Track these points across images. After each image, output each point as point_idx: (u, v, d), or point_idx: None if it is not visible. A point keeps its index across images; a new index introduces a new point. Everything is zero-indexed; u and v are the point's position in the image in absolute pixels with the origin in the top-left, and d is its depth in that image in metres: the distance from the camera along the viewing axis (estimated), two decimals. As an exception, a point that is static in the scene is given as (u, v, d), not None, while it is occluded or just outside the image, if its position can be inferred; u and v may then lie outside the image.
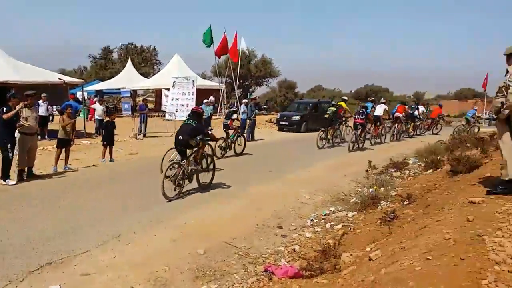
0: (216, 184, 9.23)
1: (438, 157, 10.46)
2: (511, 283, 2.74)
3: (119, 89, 30.81)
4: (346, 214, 7.41)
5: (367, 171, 9.93)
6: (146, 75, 39.10)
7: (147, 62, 47.53)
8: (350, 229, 6.41)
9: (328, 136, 16.25)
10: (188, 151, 8.58)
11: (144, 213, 7.26)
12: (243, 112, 18.53)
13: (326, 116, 16.51)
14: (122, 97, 31.27)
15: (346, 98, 20.19)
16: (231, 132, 13.84)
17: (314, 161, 12.93)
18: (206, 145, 9.55)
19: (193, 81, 24.96)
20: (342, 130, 18.12)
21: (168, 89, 26.40)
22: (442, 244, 3.53)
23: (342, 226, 6.69)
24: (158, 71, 39.56)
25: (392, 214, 5.85)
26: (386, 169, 10.76)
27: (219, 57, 29.04)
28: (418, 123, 22.59)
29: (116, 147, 13.17)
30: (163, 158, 9.45)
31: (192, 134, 8.39)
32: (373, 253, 4.20)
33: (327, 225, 6.93)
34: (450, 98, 58.13)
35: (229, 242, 6.09)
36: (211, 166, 9.20)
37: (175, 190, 8.13)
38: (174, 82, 25.41)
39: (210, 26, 25.98)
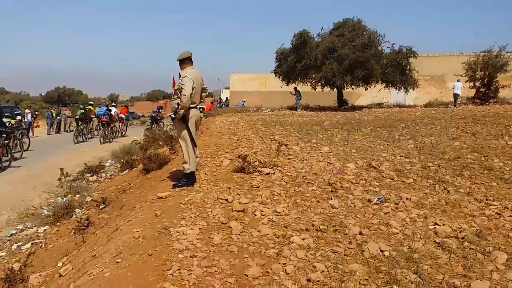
0: None
1: (133, 157, 10.71)
2: (192, 267, 3.00)
3: None
4: (37, 230, 6.66)
5: (59, 179, 9.21)
6: None
7: None
8: (41, 245, 5.78)
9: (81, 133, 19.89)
10: None
11: None
12: None
13: (77, 116, 20.76)
14: None
15: (92, 102, 25.28)
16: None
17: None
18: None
19: None
20: (92, 127, 21.68)
21: None
22: (132, 243, 3.55)
23: (32, 244, 5.96)
24: None
25: (86, 222, 5.59)
26: (82, 174, 10.29)
27: None
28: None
29: None
30: None
31: None
32: (64, 267, 3.88)
33: (14, 247, 6.04)
34: (143, 99, 61.55)
35: None
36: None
37: None
38: None
39: None
